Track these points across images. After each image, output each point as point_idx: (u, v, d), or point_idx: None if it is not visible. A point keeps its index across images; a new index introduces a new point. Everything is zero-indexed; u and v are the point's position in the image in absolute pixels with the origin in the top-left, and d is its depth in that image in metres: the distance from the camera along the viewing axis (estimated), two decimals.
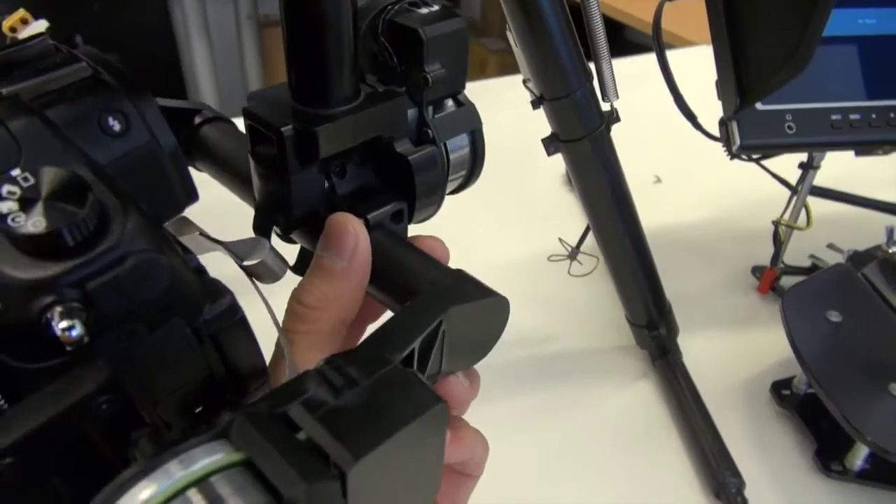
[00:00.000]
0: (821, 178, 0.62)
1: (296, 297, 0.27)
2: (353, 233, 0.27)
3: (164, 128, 0.20)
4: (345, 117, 0.28)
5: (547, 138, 0.44)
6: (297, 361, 0.25)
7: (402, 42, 0.29)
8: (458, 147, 0.32)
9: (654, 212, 0.72)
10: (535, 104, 0.42)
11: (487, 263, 0.64)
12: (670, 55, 0.51)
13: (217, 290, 0.20)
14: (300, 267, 0.32)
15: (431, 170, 0.30)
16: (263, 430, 0.16)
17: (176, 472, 0.15)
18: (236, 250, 0.28)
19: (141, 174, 0.19)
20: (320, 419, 0.17)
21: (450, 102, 0.32)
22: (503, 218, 0.70)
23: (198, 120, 0.34)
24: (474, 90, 0.33)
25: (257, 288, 0.26)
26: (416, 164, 0.30)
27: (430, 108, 0.31)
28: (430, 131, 0.31)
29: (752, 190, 0.66)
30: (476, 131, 0.32)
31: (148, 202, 0.19)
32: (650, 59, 0.51)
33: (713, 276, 0.65)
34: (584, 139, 0.42)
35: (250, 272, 0.28)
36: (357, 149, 0.29)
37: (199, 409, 0.20)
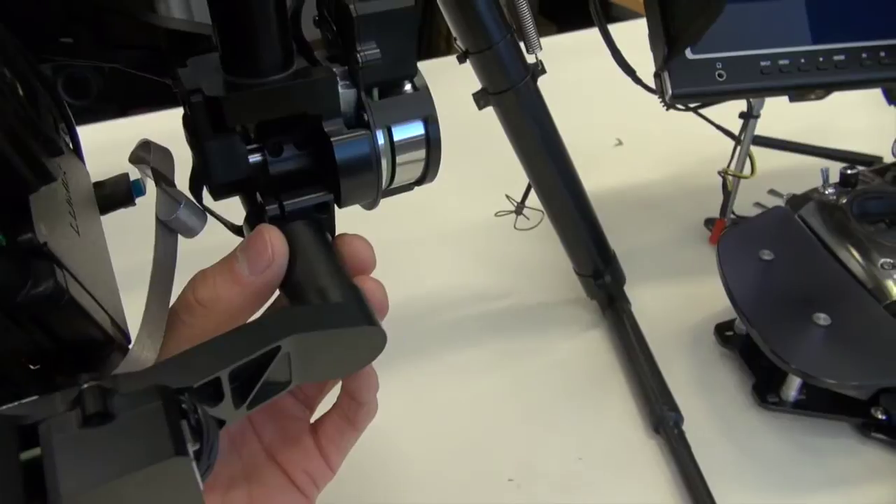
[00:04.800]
0: (774, 131, 0.64)
1: (192, 285, 0.27)
2: (270, 252, 0.27)
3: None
4: (259, 88, 0.27)
5: (477, 93, 0.46)
6: (172, 349, 0.26)
7: (340, 18, 0.28)
8: (407, 135, 0.30)
9: (613, 173, 0.74)
10: (461, 59, 0.44)
11: (435, 224, 0.66)
12: (636, 24, 0.52)
13: (40, 276, 0.21)
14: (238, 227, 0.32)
15: (358, 154, 0.29)
16: None
17: None
18: (160, 206, 0.28)
19: None
20: (57, 444, 0.17)
21: (407, 87, 0.31)
22: (452, 179, 0.71)
23: None
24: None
25: None
26: (341, 146, 0.28)
27: (375, 92, 0.30)
28: (365, 115, 0.29)
29: (709, 148, 0.67)
30: (429, 119, 0.30)
31: None
32: (620, 27, 0.52)
33: (668, 230, 0.66)
34: (510, 91, 0.44)
35: (171, 227, 0.28)
36: (298, 130, 0.29)
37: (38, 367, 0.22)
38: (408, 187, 0.33)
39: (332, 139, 0.28)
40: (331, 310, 0.26)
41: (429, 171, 0.32)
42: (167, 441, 0.19)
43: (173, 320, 0.27)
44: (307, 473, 0.32)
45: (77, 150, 0.30)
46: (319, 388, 0.34)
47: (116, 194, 0.29)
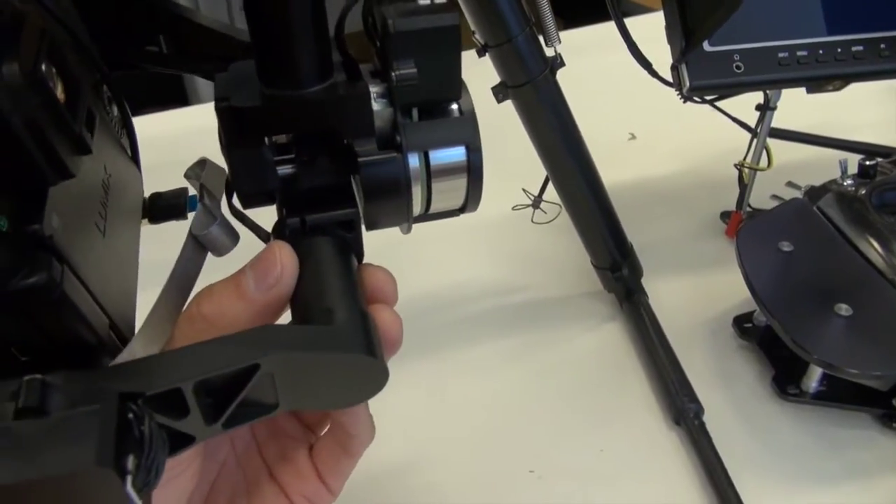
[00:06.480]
0: (790, 124, 0.64)
1: (198, 299, 0.27)
2: (278, 269, 0.26)
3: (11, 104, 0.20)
4: (285, 100, 0.26)
5: (496, 87, 0.46)
6: None
7: (382, 33, 0.27)
8: (445, 160, 0.29)
9: (627, 167, 0.73)
10: (481, 52, 0.44)
11: (452, 218, 0.66)
12: (647, 19, 0.52)
13: (36, 266, 0.20)
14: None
15: (386, 176, 0.28)
16: None
17: None
18: (196, 220, 0.28)
19: None
20: None
21: (453, 108, 0.29)
22: None
23: None
24: None
25: None
26: (367, 165, 0.27)
27: (415, 112, 0.29)
28: (397, 136, 0.28)
29: (725, 142, 0.67)
30: (471, 146, 0.29)
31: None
32: (630, 22, 0.52)
33: (684, 224, 0.66)
34: (528, 84, 0.44)
35: (202, 241, 0.29)
36: (332, 145, 0.28)
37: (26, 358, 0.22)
38: (451, 213, 0.32)
39: (359, 159, 0.27)
40: (324, 332, 0.25)
41: (469, 199, 0.31)
42: (91, 449, 0.18)
43: (174, 332, 0.26)
44: (304, 496, 0.31)
45: (135, 158, 0.30)
46: (322, 413, 0.32)
47: (172, 206, 0.29)
